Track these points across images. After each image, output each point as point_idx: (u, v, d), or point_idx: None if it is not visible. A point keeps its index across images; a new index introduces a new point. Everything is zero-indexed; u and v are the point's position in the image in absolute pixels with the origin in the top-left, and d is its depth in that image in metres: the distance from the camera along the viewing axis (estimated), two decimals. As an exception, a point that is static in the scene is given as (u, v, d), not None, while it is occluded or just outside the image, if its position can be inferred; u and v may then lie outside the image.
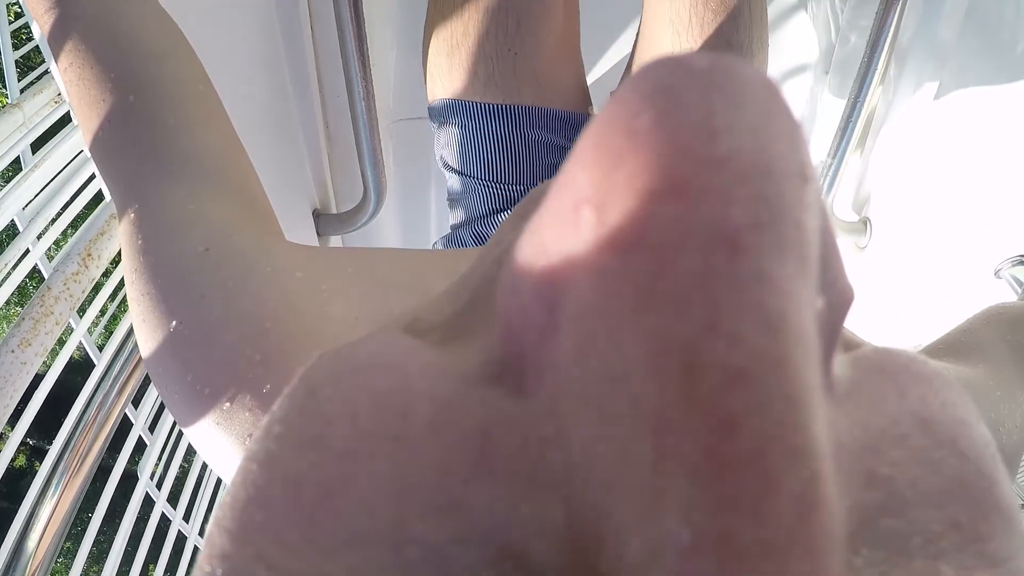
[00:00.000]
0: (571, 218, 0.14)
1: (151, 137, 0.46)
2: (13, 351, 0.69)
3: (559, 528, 0.14)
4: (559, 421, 0.15)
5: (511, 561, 0.15)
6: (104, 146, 0.47)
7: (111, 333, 0.90)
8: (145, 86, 0.47)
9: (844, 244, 1.26)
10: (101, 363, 0.84)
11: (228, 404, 0.38)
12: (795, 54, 1.39)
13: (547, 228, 0.15)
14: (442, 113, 0.91)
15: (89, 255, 0.82)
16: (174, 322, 0.40)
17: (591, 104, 0.97)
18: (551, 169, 0.92)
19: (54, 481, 0.73)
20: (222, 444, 0.39)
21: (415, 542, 0.15)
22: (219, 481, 1.39)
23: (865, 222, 1.23)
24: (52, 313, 0.74)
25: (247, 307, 0.40)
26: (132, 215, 0.44)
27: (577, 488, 0.14)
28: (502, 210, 0.92)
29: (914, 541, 0.16)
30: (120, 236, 0.45)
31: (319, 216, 1.25)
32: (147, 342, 0.41)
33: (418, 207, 1.53)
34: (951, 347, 0.51)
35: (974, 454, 0.18)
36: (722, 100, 0.13)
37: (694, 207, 0.12)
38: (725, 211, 0.12)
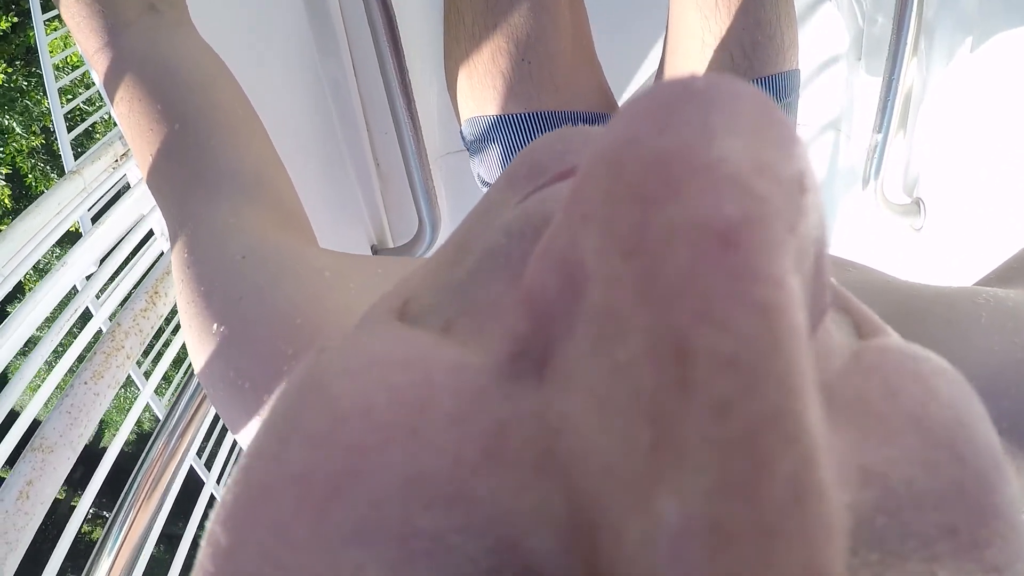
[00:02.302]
0: (581, 228, 0.15)
1: (195, 160, 0.50)
2: (86, 383, 0.74)
3: (558, 518, 0.15)
4: (566, 413, 0.15)
5: (511, 550, 0.15)
6: (155, 171, 0.52)
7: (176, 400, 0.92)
8: (187, 114, 0.51)
9: (899, 227, 1.25)
10: (163, 416, 0.86)
11: (267, 396, 0.41)
12: (825, 46, 1.40)
13: (563, 237, 0.16)
14: (473, 133, 0.95)
15: (156, 292, 0.87)
16: (215, 324, 0.43)
17: (616, 103, 0.99)
18: None
19: (112, 536, 0.74)
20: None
21: (420, 533, 0.15)
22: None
23: (918, 203, 1.22)
24: (123, 347, 0.79)
25: (280, 305, 0.43)
26: (180, 232, 0.48)
27: (578, 477, 0.14)
28: None
29: (909, 543, 0.16)
30: (172, 254, 0.49)
31: (377, 251, 1.29)
32: (195, 345, 0.45)
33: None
34: (1002, 275, 0.50)
35: (973, 457, 0.18)
36: (719, 113, 0.14)
37: (688, 207, 0.13)
38: (716, 208, 0.13)
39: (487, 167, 0.96)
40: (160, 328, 0.89)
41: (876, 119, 1.13)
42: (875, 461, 0.17)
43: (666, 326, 0.13)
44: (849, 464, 0.17)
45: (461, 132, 0.98)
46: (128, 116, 0.52)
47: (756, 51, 0.82)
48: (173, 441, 0.81)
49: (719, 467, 0.11)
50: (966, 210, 1.11)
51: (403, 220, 1.33)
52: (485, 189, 0.99)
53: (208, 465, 1.50)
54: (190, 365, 0.88)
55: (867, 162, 1.21)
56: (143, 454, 0.80)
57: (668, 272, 0.13)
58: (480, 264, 0.23)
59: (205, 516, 1.31)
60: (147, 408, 1.31)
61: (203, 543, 0.17)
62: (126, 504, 0.75)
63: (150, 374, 1.41)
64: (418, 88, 1.09)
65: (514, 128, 0.91)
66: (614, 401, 0.13)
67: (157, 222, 1.05)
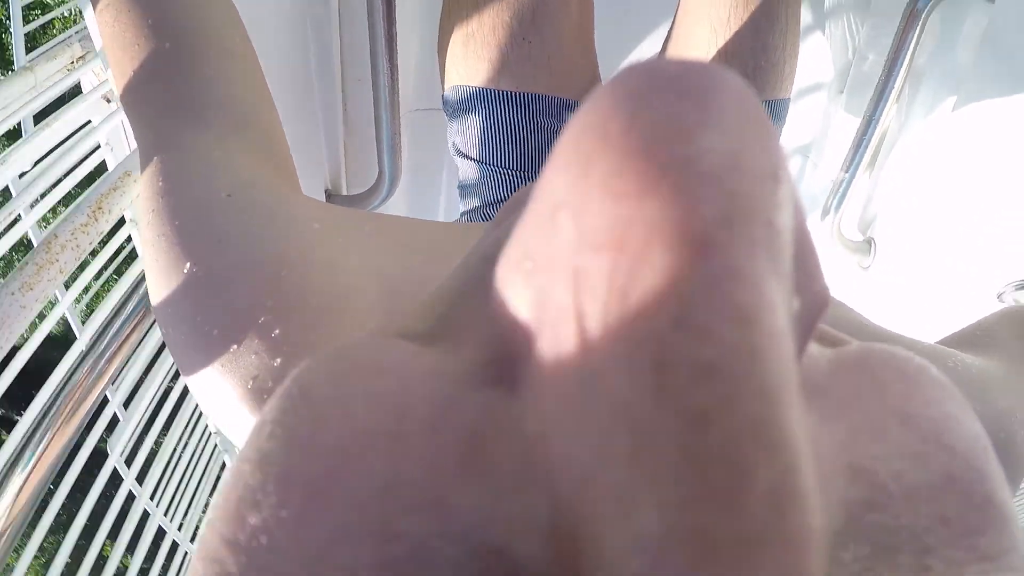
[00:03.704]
0: (549, 222, 0.15)
1: (183, 84, 0.46)
2: (13, 293, 0.69)
3: (542, 524, 0.14)
4: (542, 420, 0.15)
5: (494, 556, 0.15)
6: (134, 89, 0.48)
7: (92, 312, 0.88)
8: (182, 34, 0.47)
9: (848, 264, 1.27)
10: (83, 338, 0.83)
11: (235, 347, 0.39)
12: (810, 73, 1.40)
13: (529, 233, 0.16)
14: (456, 100, 0.92)
15: (100, 208, 0.81)
16: (188, 264, 0.40)
17: None
18: None
19: (26, 455, 0.72)
20: (223, 386, 0.40)
21: (400, 538, 0.15)
22: (192, 460, 1.38)
23: (869, 242, 1.24)
24: (56, 261, 0.73)
25: (264, 254, 0.40)
26: (156, 158, 0.45)
27: (558, 485, 0.14)
28: None
29: (901, 536, 0.16)
30: (141, 180, 0.45)
31: (331, 196, 1.26)
32: (158, 283, 0.42)
33: (428, 195, 1.54)
34: (963, 340, 0.51)
35: (963, 448, 0.18)
36: (693, 103, 0.13)
37: (663, 206, 0.12)
38: (694, 208, 0.12)
39: (464, 137, 0.94)
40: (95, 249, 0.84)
41: (848, 155, 1.14)
42: (864, 457, 0.17)
43: (642, 332, 0.12)
44: (838, 462, 0.17)
45: (444, 96, 0.95)
46: (112, 25, 0.48)
47: (757, 75, 0.82)
48: (100, 366, 0.78)
49: (699, 477, 0.11)
50: (914, 254, 1.13)
51: (362, 169, 1.30)
52: (458, 158, 0.97)
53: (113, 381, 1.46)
54: (125, 290, 0.85)
55: (830, 194, 1.22)
56: (67, 375, 0.78)
57: (643, 274, 0.12)
58: (460, 289, 0.23)
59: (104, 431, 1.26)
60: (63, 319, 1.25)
61: (196, 544, 0.17)
62: (43, 424, 0.74)
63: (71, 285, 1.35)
64: (401, 41, 1.05)
65: (501, 105, 0.89)
66: (589, 409, 0.13)
67: (106, 135, 0.99)
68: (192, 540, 1.24)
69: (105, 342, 0.78)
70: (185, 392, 1.31)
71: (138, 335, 0.81)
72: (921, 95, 1.09)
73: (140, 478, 1.20)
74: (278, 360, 0.39)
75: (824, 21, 1.39)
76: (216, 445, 1.43)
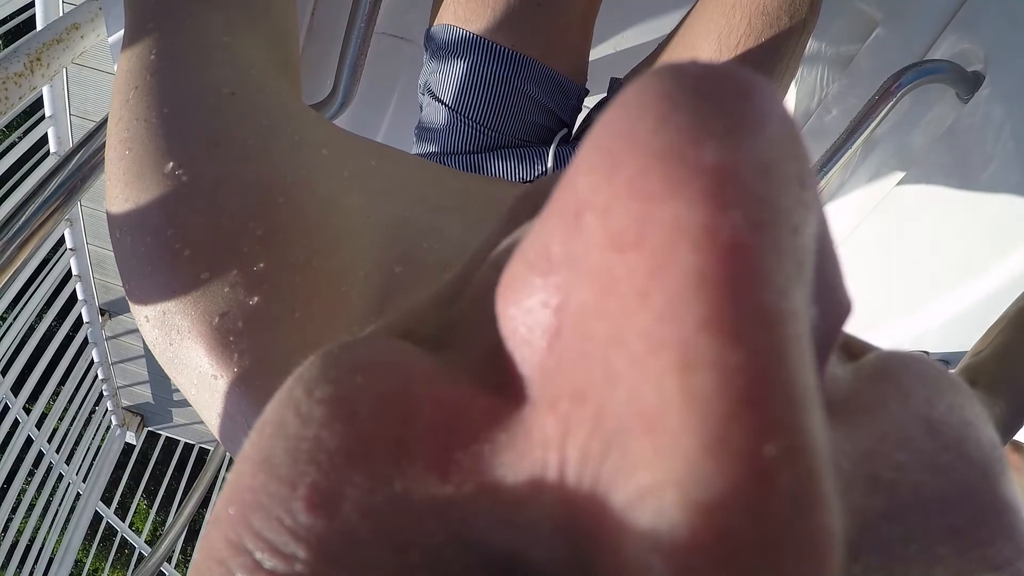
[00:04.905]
0: (573, 222, 0.14)
1: None
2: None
3: (557, 530, 0.14)
4: (560, 424, 0.14)
5: (509, 562, 0.15)
6: None
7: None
8: None
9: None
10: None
11: (207, 273, 0.35)
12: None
13: (549, 232, 0.15)
14: (444, 40, 0.89)
15: (39, 60, 0.72)
16: (171, 163, 0.36)
17: (586, 78, 0.97)
18: (531, 127, 0.93)
19: None
20: (182, 317, 0.36)
21: (414, 547, 0.15)
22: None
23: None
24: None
25: (263, 172, 0.37)
26: (152, 27, 0.40)
27: (574, 490, 0.14)
28: (480, 151, 0.91)
29: (912, 548, 0.17)
30: (127, 48, 0.40)
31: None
32: (124, 177, 0.37)
33: (369, 125, 1.49)
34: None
35: (980, 456, 0.19)
36: (721, 106, 0.13)
37: (691, 207, 0.12)
38: (722, 211, 0.12)
39: (440, 79, 0.91)
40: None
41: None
42: (887, 468, 0.18)
43: (667, 333, 0.12)
44: (859, 472, 0.17)
45: (429, 31, 0.91)
46: None
47: None
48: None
49: (722, 481, 0.11)
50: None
51: (311, 82, 1.23)
52: (427, 99, 0.93)
53: None
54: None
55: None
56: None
57: (669, 276, 0.12)
58: (473, 296, 0.22)
59: None
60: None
61: (200, 542, 0.17)
62: None
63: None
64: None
65: (492, 59, 0.87)
66: (611, 413, 0.13)
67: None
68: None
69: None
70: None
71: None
72: (870, 162, 1.13)
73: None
74: (255, 299, 0.36)
75: (800, 64, 1.42)
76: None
